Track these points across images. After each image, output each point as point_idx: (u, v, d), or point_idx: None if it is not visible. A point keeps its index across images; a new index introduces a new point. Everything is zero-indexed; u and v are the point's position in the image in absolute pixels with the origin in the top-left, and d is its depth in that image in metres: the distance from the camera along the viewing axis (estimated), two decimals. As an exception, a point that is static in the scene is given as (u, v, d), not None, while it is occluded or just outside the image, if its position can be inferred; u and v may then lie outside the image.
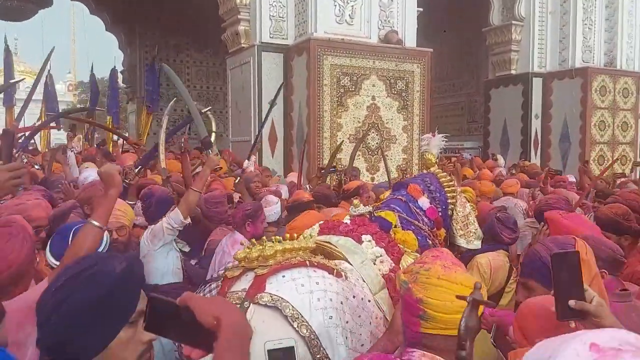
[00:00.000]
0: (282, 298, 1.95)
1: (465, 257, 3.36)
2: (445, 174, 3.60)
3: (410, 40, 9.28)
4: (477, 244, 3.38)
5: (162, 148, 5.07)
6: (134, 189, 4.63)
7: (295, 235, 2.29)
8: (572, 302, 1.44)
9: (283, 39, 9.00)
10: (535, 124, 12.35)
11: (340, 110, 8.62)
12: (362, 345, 2.09)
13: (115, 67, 15.68)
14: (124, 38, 16.75)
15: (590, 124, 11.78)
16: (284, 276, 2.05)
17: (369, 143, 8.87)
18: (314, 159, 8.44)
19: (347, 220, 2.91)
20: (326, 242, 2.50)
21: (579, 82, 11.72)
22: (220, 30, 9.98)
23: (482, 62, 14.34)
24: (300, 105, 8.74)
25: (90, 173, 5.26)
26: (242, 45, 9.23)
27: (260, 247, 2.11)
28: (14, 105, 12.26)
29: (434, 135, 3.92)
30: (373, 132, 8.90)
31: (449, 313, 1.53)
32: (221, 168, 4.76)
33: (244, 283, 2.05)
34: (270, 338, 1.87)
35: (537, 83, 12.22)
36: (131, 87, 16.92)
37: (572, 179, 8.20)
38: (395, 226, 2.95)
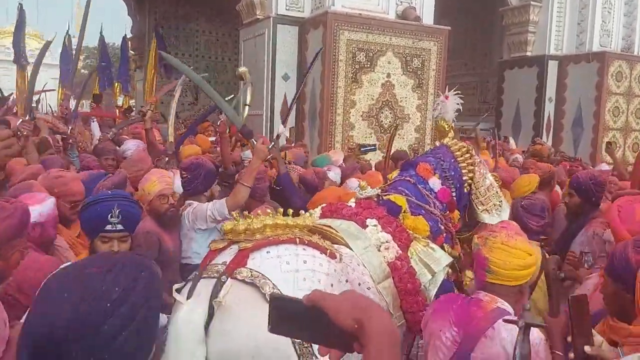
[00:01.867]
0: (262, 274, 1.85)
1: None
2: (460, 144, 3.34)
3: (427, 17, 9.11)
4: (503, 216, 3.20)
5: (172, 120, 4.99)
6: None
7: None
8: (587, 349, 1.54)
9: (299, 11, 8.83)
10: (549, 107, 12.21)
11: (354, 87, 8.49)
12: None
13: (126, 34, 15.46)
14: (134, 5, 16.48)
15: (605, 110, 11.63)
16: (268, 252, 1.94)
17: (381, 121, 8.76)
18: (326, 135, 8.35)
19: (352, 203, 2.76)
20: (326, 225, 2.35)
21: (595, 67, 11.54)
22: (232, 0, 9.79)
23: (497, 43, 14.10)
24: (314, 80, 8.61)
25: (130, 145, 5.22)
26: (257, 16, 9.05)
27: (249, 220, 2.01)
28: (27, 65, 12.08)
29: (447, 98, 3.62)
30: (386, 110, 8.78)
31: (507, 269, 2.04)
32: (274, 158, 4.55)
33: (226, 256, 1.95)
34: (247, 318, 1.78)
35: (552, 66, 12.04)
36: (139, 54, 16.70)
37: (605, 167, 7.77)
38: (405, 211, 2.79)
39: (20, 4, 12.13)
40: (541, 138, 12.07)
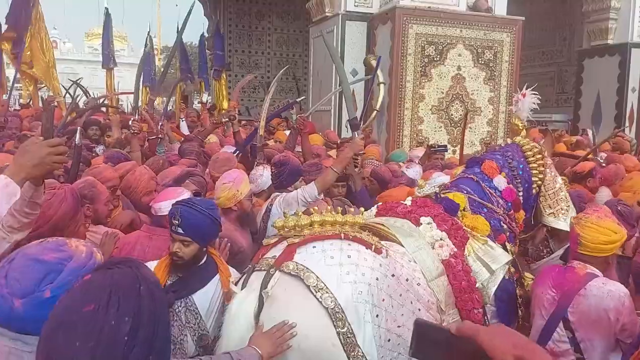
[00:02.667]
0: (307, 268, 1.94)
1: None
2: (532, 144, 3.28)
3: (500, 7, 8.89)
4: (566, 224, 3.07)
5: (263, 115, 5.23)
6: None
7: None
8: None
9: (368, 7, 8.87)
10: (632, 98, 11.55)
11: (423, 81, 8.44)
12: (399, 326, 2.00)
13: (203, 33, 15.90)
14: (210, 5, 17.08)
15: (694, 99, 10.88)
16: (314, 247, 2.03)
17: (452, 115, 8.66)
18: (394, 130, 8.36)
19: (408, 201, 2.78)
20: (379, 223, 2.40)
21: (683, 54, 10.81)
22: (303, -3, 9.97)
23: (576, 31, 13.49)
24: (382, 74, 8.62)
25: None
26: (327, 14, 9.18)
27: (297, 216, 2.11)
28: (113, 68, 12.79)
29: (524, 96, 3.59)
30: (457, 104, 8.67)
31: (594, 243, 2.53)
32: (364, 153, 4.77)
33: (276, 251, 2.07)
34: (294, 307, 1.88)
35: (636, 54, 11.36)
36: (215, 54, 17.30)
37: None
38: (464, 209, 2.77)
39: (106, 8, 12.83)
40: (624, 130, 11.47)
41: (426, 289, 2.19)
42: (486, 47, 8.63)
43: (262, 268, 2.02)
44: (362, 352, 1.87)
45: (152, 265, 2.34)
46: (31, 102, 11.08)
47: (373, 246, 2.10)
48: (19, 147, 2.59)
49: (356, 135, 3.78)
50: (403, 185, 4.38)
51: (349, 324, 1.86)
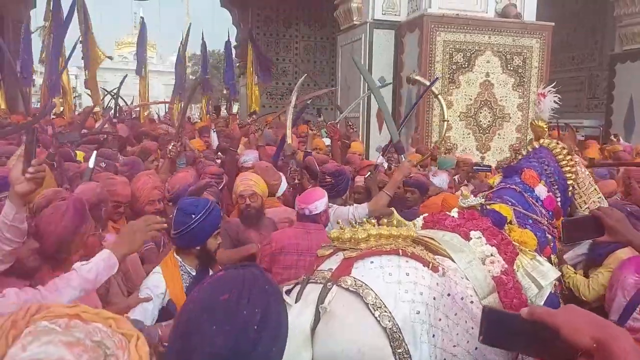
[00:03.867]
0: (365, 284, 1.89)
1: (601, 253, 3.18)
2: (561, 146, 3.22)
3: (529, 13, 8.84)
4: None
5: (289, 124, 5.33)
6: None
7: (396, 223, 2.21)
8: None
9: (395, 15, 8.92)
10: (667, 103, 11.33)
11: (451, 88, 8.44)
12: (455, 346, 1.95)
13: (229, 39, 15.98)
14: (238, 14, 17.33)
15: None
16: (372, 262, 1.97)
17: (480, 121, 8.64)
18: (422, 138, 8.37)
19: (454, 213, 2.67)
20: (429, 237, 2.30)
21: None
22: (330, 4, 10.06)
23: (607, 34, 13.27)
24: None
25: (250, 157, 5.21)
26: (354, 22, 9.25)
27: (354, 229, 2.06)
28: (145, 76, 13.07)
29: (544, 96, 3.58)
30: (485, 110, 8.64)
31: None
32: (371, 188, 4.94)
33: (332, 263, 2.02)
34: (350, 325, 1.84)
35: (671, 58, 11.16)
36: (243, 61, 17.53)
37: None
38: (511, 222, 2.67)
39: (142, 18, 13.13)
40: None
41: (479, 306, 2.11)
42: (515, 53, 8.59)
43: (318, 281, 1.98)
44: None
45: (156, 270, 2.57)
46: (64, 111, 11.39)
47: (430, 264, 2.05)
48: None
49: (403, 159, 3.93)
50: (443, 192, 4.37)
51: (406, 344, 1.83)
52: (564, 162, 3.13)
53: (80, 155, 4.79)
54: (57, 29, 10.45)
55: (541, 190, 2.94)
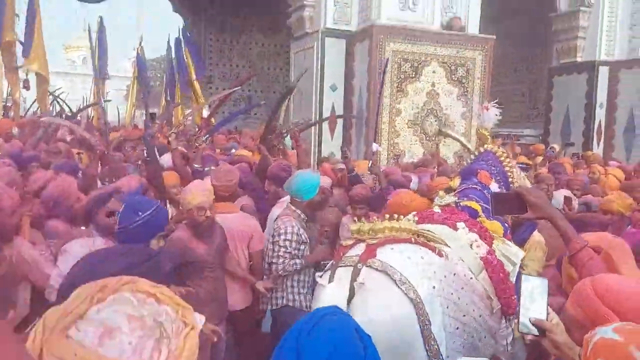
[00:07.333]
0: (390, 265, 2.29)
1: (525, 237, 3.46)
2: (502, 150, 3.71)
3: (473, 26, 9.28)
4: None
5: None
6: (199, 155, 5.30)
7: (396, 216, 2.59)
8: (532, 319, 1.65)
9: (346, 25, 9.20)
10: (600, 114, 12.06)
11: (399, 96, 8.77)
12: (465, 314, 2.41)
13: (179, 36, 14.68)
14: (190, 20, 17.32)
15: (658, 116, 11.42)
16: (392, 249, 2.39)
17: (426, 129, 9.00)
18: (371, 142, 8.63)
19: (437, 209, 3.13)
20: (427, 230, 2.71)
21: (648, 72, 11.36)
22: (284, 12, 10.27)
23: (547, 49, 14.03)
24: (360, 90, 8.96)
25: (165, 158, 5.27)
26: (307, 30, 9.50)
27: (372, 222, 2.51)
28: (105, 79, 12.68)
29: (486, 109, 3.97)
30: (431, 118, 9.02)
31: None
32: (377, 174, 5.16)
33: (357, 250, 2.41)
34: (382, 296, 2.23)
35: (603, 72, 11.90)
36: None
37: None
38: (480, 215, 3.12)
39: (100, 17, 12.68)
40: (592, 145, 11.96)
41: (477, 282, 2.58)
42: (459, 65, 9.01)
43: (348, 264, 2.35)
44: (434, 337, 2.24)
45: None
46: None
47: (437, 250, 2.49)
48: None
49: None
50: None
51: (427, 313, 2.22)
52: (506, 163, 3.61)
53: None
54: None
55: (494, 188, 3.41)
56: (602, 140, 12.15)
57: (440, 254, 2.47)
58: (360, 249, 2.41)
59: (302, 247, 3.73)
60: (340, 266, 2.38)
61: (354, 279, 2.26)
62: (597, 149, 11.86)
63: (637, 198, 4.87)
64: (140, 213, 2.66)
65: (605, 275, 1.83)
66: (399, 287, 2.23)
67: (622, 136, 11.84)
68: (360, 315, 2.14)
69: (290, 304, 3.71)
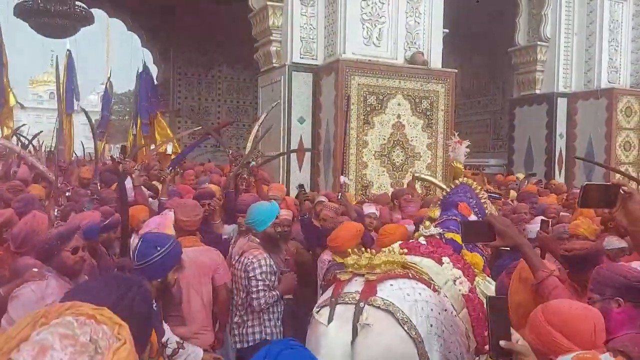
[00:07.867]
0: (392, 303, 2.32)
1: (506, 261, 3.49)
2: (476, 183, 3.88)
3: (435, 61, 9.55)
4: None
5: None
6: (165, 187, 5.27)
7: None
8: (502, 343, 1.68)
9: (313, 59, 9.37)
10: (560, 143, 12.44)
11: (366, 128, 8.92)
12: (450, 352, 2.44)
13: (144, 68, 14.25)
14: (159, 54, 17.39)
15: (616, 145, 11.85)
16: (391, 284, 2.42)
17: (394, 160, 9.15)
18: (338, 174, 8.72)
19: (422, 240, 3.15)
20: (413, 263, 2.74)
21: (604, 103, 11.81)
22: (251, 47, 10.41)
23: (508, 81, 14.51)
24: (328, 122, 9.08)
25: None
26: (274, 64, 9.64)
27: (369, 256, 2.52)
28: (73, 113, 12.56)
29: (460, 143, 4.11)
30: (398, 149, 9.17)
31: None
32: (344, 205, 5.28)
33: (356, 286, 2.42)
34: (386, 336, 2.27)
35: (562, 103, 12.33)
36: (164, 101, 17.50)
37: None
38: (462, 247, 3.15)
39: (69, 50, 12.63)
40: (553, 173, 12.30)
41: (459, 319, 2.62)
42: (423, 97, 9.24)
43: (348, 301, 2.37)
44: None
45: None
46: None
47: (432, 285, 2.54)
48: None
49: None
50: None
51: (426, 352, 2.29)
52: (481, 195, 3.77)
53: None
54: None
55: (473, 219, 3.47)
56: (563, 168, 12.51)
57: (434, 290, 2.52)
58: (359, 284, 2.42)
59: (273, 278, 3.75)
60: (340, 303, 2.38)
61: (356, 318, 2.28)
62: (559, 177, 12.20)
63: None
64: (158, 248, 2.68)
65: (557, 301, 1.90)
66: (401, 326, 2.27)
67: (583, 165, 12.21)
68: (365, 355, 2.21)
69: (269, 337, 3.67)
